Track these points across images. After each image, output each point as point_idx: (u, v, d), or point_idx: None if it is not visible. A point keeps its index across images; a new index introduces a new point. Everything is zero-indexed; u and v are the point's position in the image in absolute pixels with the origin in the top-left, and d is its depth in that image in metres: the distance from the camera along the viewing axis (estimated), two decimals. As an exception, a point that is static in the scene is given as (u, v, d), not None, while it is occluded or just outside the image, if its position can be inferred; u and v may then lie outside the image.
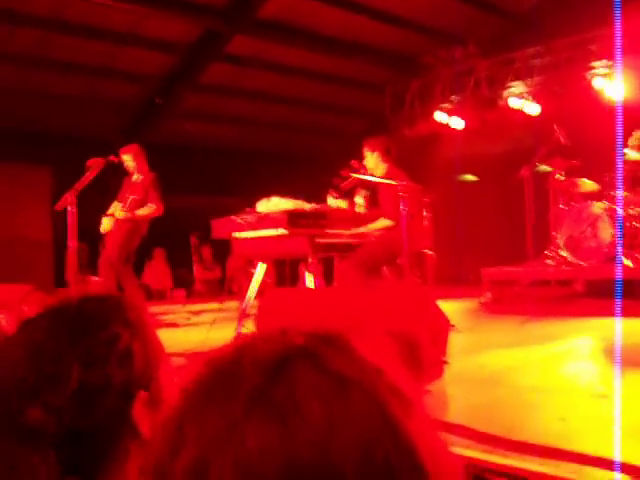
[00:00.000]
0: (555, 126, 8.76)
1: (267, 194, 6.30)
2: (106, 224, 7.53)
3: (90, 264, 10.89)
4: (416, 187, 6.37)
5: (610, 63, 9.63)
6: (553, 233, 8.75)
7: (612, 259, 7.80)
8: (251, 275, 6.73)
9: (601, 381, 4.16)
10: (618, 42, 7.75)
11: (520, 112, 10.92)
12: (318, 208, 6.29)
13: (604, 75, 9.80)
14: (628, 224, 8.03)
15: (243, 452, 0.54)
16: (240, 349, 0.63)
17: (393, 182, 6.17)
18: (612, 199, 8.16)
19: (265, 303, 5.06)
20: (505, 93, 11.05)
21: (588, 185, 8.58)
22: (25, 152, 11.69)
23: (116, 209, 7.56)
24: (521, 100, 10.85)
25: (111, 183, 7.94)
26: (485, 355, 5.16)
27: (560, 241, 8.50)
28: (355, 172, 6.50)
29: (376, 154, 6.60)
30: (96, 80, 11.60)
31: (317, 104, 13.91)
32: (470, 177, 13.18)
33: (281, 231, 5.75)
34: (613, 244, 7.89)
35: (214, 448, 0.56)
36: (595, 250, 8.10)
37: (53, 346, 1.00)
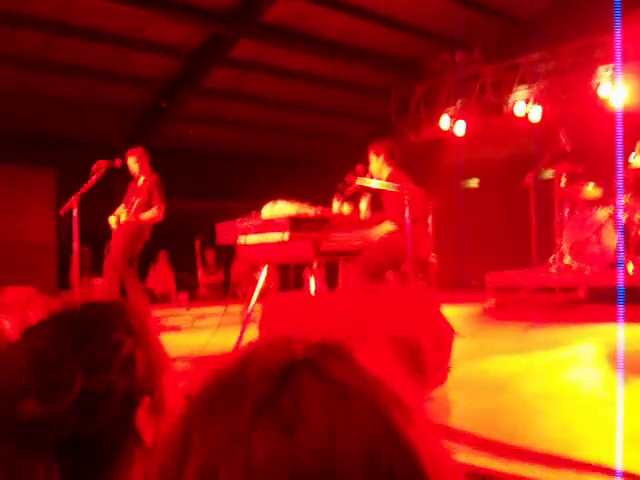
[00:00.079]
0: (560, 132, 8.76)
1: (271, 198, 6.30)
2: (114, 221, 7.54)
3: (94, 267, 10.91)
4: (420, 192, 6.38)
5: (615, 69, 9.62)
6: (557, 240, 8.75)
7: (616, 266, 7.79)
8: (255, 280, 6.73)
9: (604, 388, 4.15)
10: (618, 49, 7.76)
11: (524, 118, 10.91)
12: (322, 213, 6.29)
13: (609, 81, 9.78)
14: (633, 232, 8.01)
15: (250, 461, 0.55)
16: (245, 358, 0.63)
17: (397, 186, 6.17)
18: (616, 205, 8.16)
19: (268, 308, 5.05)
20: (510, 98, 11.05)
21: (592, 191, 8.58)
22: (29, 155, 11.71)
23: (121, 213, 7.57)
24: (526, 105, 10.84)
25: (115, 187, 7.97)
26: (488, 361, 5.16)
27: (564, 247, 8.49)
28: (360, 177, 6.50)
29: (381, 158, 6.61)
30: (100, 83, 11.63)
31: (322, 109, 13.92)
32: (474, 182, 13.18)
33: (285, 236, 5.75)
34: (618, 251, 7.88)
35: (221, 457, 0.56)
36: (599, 256, 8.10)
37: (56, 353, 1.00)
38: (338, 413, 0.57)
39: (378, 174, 6.58)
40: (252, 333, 5.65)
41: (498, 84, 11.29)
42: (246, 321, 6.01)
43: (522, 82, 10.92)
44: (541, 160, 9.00)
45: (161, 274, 13.38)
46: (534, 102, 10.77)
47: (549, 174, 9.20)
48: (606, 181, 8.28)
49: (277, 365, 0.60)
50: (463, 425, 3.35)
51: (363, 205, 7.02)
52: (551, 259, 8.72)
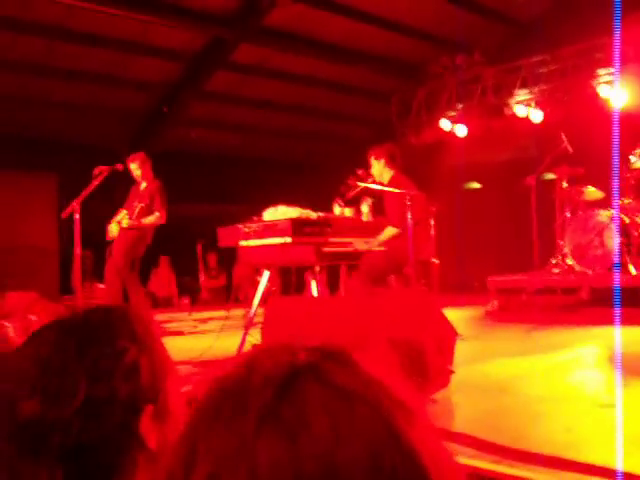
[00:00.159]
0: (562, 134, 8.77)
1: (273, 202, 6.31)
2: (113, 230, 7.54)
3: (96, 271, 10.91)
4: (422, 195, 6.38)
5: (616, 71, 9.63)
6: (559, 241, 8.75)
7: (618, 267, 7.79)
8: (257, 283, 6.74)
9: (607, 391, 4.14)
10: (617, 51, 7.76)
11: (526, 120, 10.92)
12: (323, 216, 6.30)
13: (610, 83, 9.79)
14: (636, 232, 8.01)
15: (254, 468, 0.55)
16: (248, 365, 0.64)
17: (399, 190, 6.18)
18: (616, 207, 8.16)
19: (271, 311, 5.06)
20: (511, 101, 11.05)
21: (593, 193, 8.58)
22: (31, 160, 11.72)
23: (123, 217, 7.58)
24: (527, 108, 10.85)
25: (117, 191, 7.98)
26: (491, 364, 5.16)
27: (566, 249, 8.49)
28: (361, 181, 6.51)
29: (382, 161, 6.62)
30: (102, 88, 11.63)
31: (323, 112, 13.93)
32: (475, 185, 13.19)
33: (286, 239, 5.75)
34: (618, 253, 7.88)
35: (226, 465, 0.56)
36: (601, 258, 8.09)
37: (60, 359, 1.00)
38: (341, 418, 0.57)
39: (379, 178, 6.59)
40: (255, 337, 5.65)
41: (499, 87, 11.29)
42: (248, 325, 6.01)
43: (523, 85, 10.92)
44: (542, 162, 9.01)
45: (163, 278, 13.38)
46: (535, 104, 10.77)
47: (550, 176, 9.21)
48: (607, 183, 8.28)
49: (280, 372, 0.61)
50: (466, 428, 3.35)
51: (365, 208, 7.04)
52: (553, 261, 8.72)
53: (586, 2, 10.42)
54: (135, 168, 7.74)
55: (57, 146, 12.14)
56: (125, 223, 7.49)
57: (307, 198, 6.93)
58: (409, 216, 5.87)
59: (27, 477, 0.95)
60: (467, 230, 11.28)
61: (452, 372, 4.24)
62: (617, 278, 7.39)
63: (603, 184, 8.41)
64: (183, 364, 5.21)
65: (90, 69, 11.07)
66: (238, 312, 8.09)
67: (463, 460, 2.74)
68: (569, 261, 8.45)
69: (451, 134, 11.87)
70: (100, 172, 7.01)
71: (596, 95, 9.94)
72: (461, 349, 4.57)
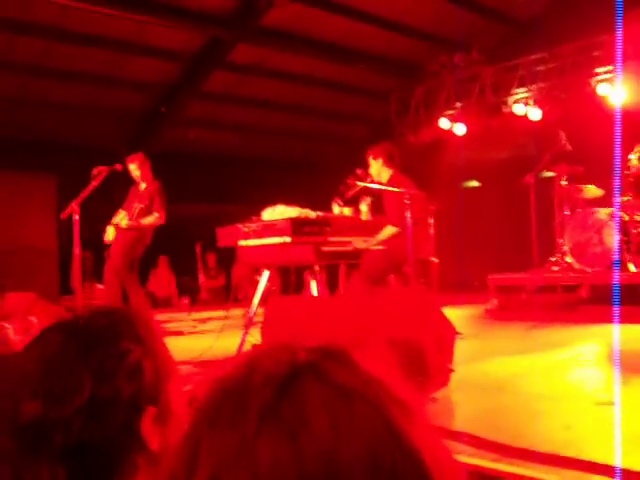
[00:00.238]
0: (560, 132, 8.77)
1: (272, 202, 6.32)
2: (110, 233, 7.55)
3: (95, 272, 10.92)
4: (420, 193, 6.39)
5: (614, 69, 9.63)
6: (558, 239, 8.75)
7: (618, 265, 7.80)
8: (256, 283, 6.74)
9: (606, 388, 4.15)
10: (619, 48, 7.75)
11: (524, 118, 10.92)
12: (322, 216, 6.30)
13: (608, 81, 9.79)
14: (634, 230, 8.02)
15: (256, 468, 0.56)
16: (248, 366, 0.64)
17: (398, 189, 6.19)
18: (616, 205, 8.16)
19: (270, 311, 5.07)
20: (509, 99, 11.05)
21: (592, 191, 8.58)
22: (30, 161, 11.71)
23: (121, 218, 7.58)
24: (525, 106, 10.85)
25: (116, 192, 7.98)
26: (490, 362, 5.16)
27: (566, 247, 8.49)
28: (360, 180, 6.51)
29: (380, 161, 6.62)
30: (100, 89, 11.63)
31: (321, 111, 13.93)
32: (474, 183, 13.19)
33: (285, 239, 5.75)
34: (618, 250, 7.89)
35: (228, 465, 0.57)
36: (601, 256, 8.10)
37: (65, 360, 1.01)
38: (341, 416, 0.58)
39: (378, 177, 6.60)
40: (254, 336, 5.66)
41: (498, 85, 11.29)
42: (248, 324, 6.01)
43: (521, 83, 10.92)
44: (541, 160, 9.01)
45: (162, 278, 13.39)
46: (533, 103, 10.77)
47: (549, 174, 9.21)
48: (606, 181, 8.28)
49: (280, 371, 0.61)
50: (465, 426, 3.35)
51: (364, 207, 7.04)
52: (553, 259, 8.72)
53: (584, 0, 10.42)
54: (134, 169, 7.74)
55: (56, 147, 12.14)
56: (124, 224, 7.49)
57: (306, 197, 6.93)
58: (408, 215, 5.88)
59: (29, 475, 0.95)
60: (466, 229, 11.28)
61: (452, 371, 4.25)
62: (617, 276, 7.39)
63: (602, 182, 8.41)
64: (183, 364, 5.21)
65: (88, 70, 11.06)
66: (237, 312, 8.09)
67: (463, 458, 2.75)
68: (568, 259, 8.46)
69: (450, 133, 11.87)
70: (99, 173, 7.01)
71: (595, 93, 9.94)
72: (461, 348, 4.57)
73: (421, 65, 12.54)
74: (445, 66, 12.08)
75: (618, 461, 2.55)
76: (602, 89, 9.85)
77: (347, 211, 7.00)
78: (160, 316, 9.58)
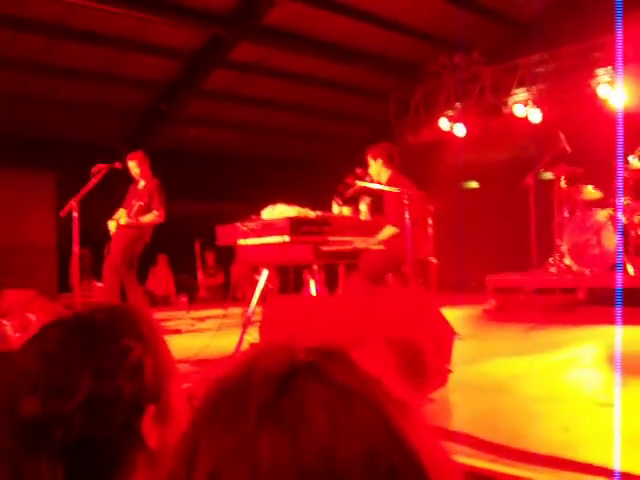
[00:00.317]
0: (560, 133, 8.77)
1: (271, 201, 6.31)
2: (112, 226, 7.54)
3: (94, 269, 10.92)
4: (420, 194, 6.39)
5: (614, 70, 9.63)
6: (557, 241, 8.75)
7: (616, 267, 7.80)
8: (255, 282, 6.74)
9: (604, 390, 4.15)
10: (619, 50, 7.75)
11: (524, 119, 10.92)
12: (322, 215, 6.30)
13: (608, 82, 9.79)
14: (633, 232, 8.02)
15: (256, 463, 0.56)
16: (247, 364, 0.64)
17: (397, 189, 6.19)
18: (616, 207, 8.17)
19: (269, 310, 5.06)
20: (509, 100, 11.06)
21: (592, 193, 8.59)
22: (30, 158, 11.71)
23: (121, 215, 7.58)
24: (525, 107, 10.85)
25: (115, 189, 7.98)
26: (488, 363, 5.16)
27: (564, 249, 8.50)
28: (359, 179, 6.51)
29: (380, 161, 6.62)
30: (101, 86, 11.63)
31: (321, 111, 13.93)
32: (473, 184, 13.20)
33: (285, 238, 5.75)
34: (617, 252, 7.89)
35: (228, 461, 0.57)
36: (599, 258, 8.10)
37: (65, 357, 1.01)
38: (340, 415, 0.58)
39: (377, 177, 6.60)
40: (252, 335, 5.65)
41: (497, 86, 11.29)
42: (246, 323, 6.01)
43: (521, 84, 10.92)
44: (541, 162, 9.01)
45: (161, 276, 13.38)
46: (533, 104, 10.77)
47: (549, 175, 9.21)
48: (606, 182, 8.29)
49: (279, 370, 0.62)
50: (463, 427, 3.35)
51: (363, 207, 7.03)
52: (551, 260, 8.72)
53: (585, 2, 10.43)
54: (134, 166, 7.74)
55: (56, 144, 12.14)
56: (123, 221, 7.49)
57: (306, 197, 6.93)
58: (407, 215, 5.88)
59: (28, 472, 0.95)
60: (465, 229, 11.28)
61: (450, 371, 4.25)
62: (619, 278, 7.39)
63: (601, 184, 8.42)
64: (180, 362, 5.20)
65: (89, 67, 11.06)
66: (236, 311, 8.08)
67: (461, 459, 2.75)
68: (567, 261, 8.46)
69: (449, 133, 11.87)
70: (99, 170, 7.01)
71: (594, 95, 9.94)
72: (459, 348, 4.57)
73: (421, 65, 12.54)
74: (445, 67, 12.08)
75: (616, 463, 2.55)
76: (602, 91, 9.85)
77: (346, 211, 6.99)
78: (158, 314, 9.57)
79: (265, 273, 6.39)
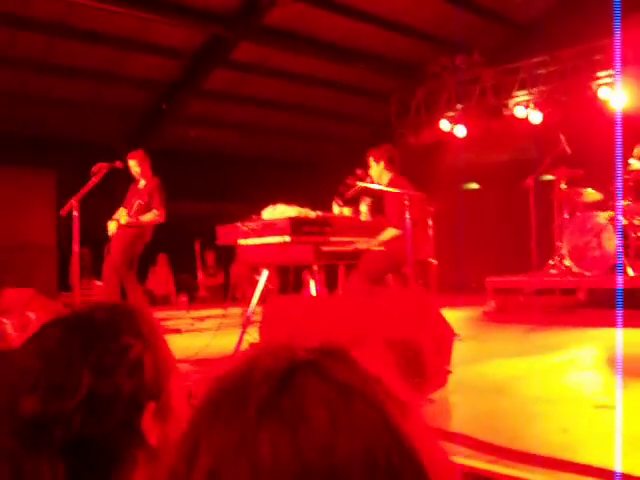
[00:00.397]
0: (561, 135, 8.77)
1: (271, 201, 6.31)
2: (112, 227, 7.54)
3: (94, 268, 10.93)
4: (420, 195, 6.39)
5: (615, 73, 9.63)
6: (557, 243, 8.75)
7: (616, 269, 7.80)
8: (255, 282, 6.74)
9: (604, 392, 4.15)
10: (618, 53, 7.76)
11: (525, 121, 10.93)
12: (322, 216, 6.30)
13: (609, 85, 9.79)
14: (633, 234, 8.03)
15: (257, 460, 0.56)
16: (247, 363, 0.65)
17: (398, 191, 6.19)
18: (616, 209, 8.17)
19: (269, 310, 5.06)
20: (510, 102, 11.06)
21: (592, 195, 8.59)
22: (30, 157, 11.72)
23: (121, 215, 7.58)
24: (526, 109, 10.85)
25: (116, 188, 7.98)
26: (488, 364, 5.16)
27: (564, 251, 8.50)
28: (360, 180, 6.51)
29: (381, 164, 6.62)
30: (101, 85, 11.64)
31: (322, 111, 13.94)
32: (474, 185, 13.20)
33: (285, 238, 5.75)
34: (617, 254, 7.89)
35: (229, 458, 0.58)
36: (599, 260, 8.10)
37: (64, 355, 1.01)
38: (340, 412, 0.59)
39: (378, 179, 6.59)
40: (252, 335, 5.65)
41: (498, 87, 11.30)
42: (246, 323, 6.01)
43: (522, 86, 10.92)
44: (541, 163, 9.01)
45: (161, 276, 13.39)
46: (534, 106, 10.78)
47: (549, 177, 9.21)
48: (606, 184, 8.29)
49: (279, 368, 0.62)
50: (463, 428, 3.35)
51: (363, 208, 7.04)
52: (551, 262, 8.73)
53: (586, 4, 10.43)
54: (134, 165, 7.74)
55: (56, 143, 12.14)
56: (124, 220, 7.49)
57: (305, 197, 6.93)
58: (408, 217, 5.88)
59: (29, 470, 0.95)
60: (465, 231, 11.28)
61: (450, 372, 4.25)
62: (619, 280, 7.40)
63: (602, 186, 8.43)
64: (180, 362, 5.20)
65: (89, 66, 11.07)
66: (236, 310, 8.08)
67: (460, 460, 2.75)
68: (567, 262, 8.46)
69: (450, 134, 11.87)
70: (99, 169, 7.00)
71: (595, 97, 9.95)
72: (459, 349, 4.57)
73: (422, 66, 12.54)
74: (446, 68, 12.08)
75: (615, 464, 2.55)
76: (603, 93, 9.86)
77: (347, 211, 7.00)
78: (158, 314, 9.56)
79: (265, 273, 6.39)
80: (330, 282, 7.48)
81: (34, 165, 11.91)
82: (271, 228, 5.90)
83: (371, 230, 6.54)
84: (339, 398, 0.60)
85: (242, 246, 6.31)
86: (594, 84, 9.97)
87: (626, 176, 8.20)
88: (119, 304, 1.15)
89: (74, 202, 6.77)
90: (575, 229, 8.40)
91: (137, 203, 7.55)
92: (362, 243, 6.39)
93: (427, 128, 12.18)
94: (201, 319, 9.42)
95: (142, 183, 7.76)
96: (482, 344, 6.30)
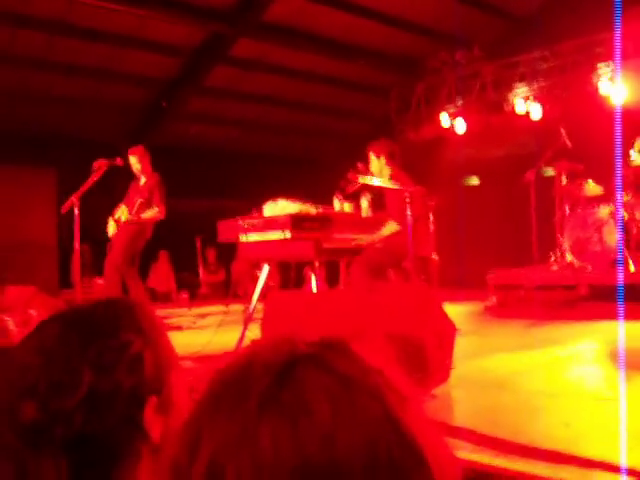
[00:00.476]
0: (561, 129, 8.76)
1: (272, 197, 6.31)
2: (112, 227, 7.54)
3: (95, 266, 10.93)
4: (421, 190, 6.39)
5: (615, 66, 9.62)
6: (558, 237, 8.75)
7: (618, 263, 7.80)
8: (256, 278, 6.74)
9: (606, 385, 4.15)
10: (618, 46, 7.74)
11: (525, 116, 10.92)
12: (323, 212, 6.29)
13: (609, 78, 9.78)
14: (634, 228, 8.02)
15: (258, 452, 0.57)
16: (248, 356, 0.65)
17: (398, 186, 6.19)
18: (617, 203, 8.16)
19: (270, 306, 5.06)
20: (510, 96, 11.05)
21: (593, 189, 8.58)
22: (30, 155, 11.71)
23: (122, 212, 7.57)
24: (526, 103, 10.84)
25: (116, 185, 7.97)
26: (490, 359, 5.16)
27: (565, 245, 8.49)
28: (361, 176, 6.50)
29: (382, 159, 6.61)
30: (101, 83, 11.63)
31: (322, 107, 13.93)
32: (474, 180, 13.19)
33: (286, 234, 5.75)
34: (618, 249, 7.89)
35: (230, 450, 0.58)
36: (601, 254, 8.10)
37: (64, 352, 1.00)
38: (341, 404, 0.59)
39: (379, 174, 6.58)
40: (254, 332, 5.65)
41: (498, 82, 11.29)
42: (248, 320, 6.01)
43: (522, 80, 10.91)
44: (542, 158, 9.00)
45: (162, 273, 13.39)
46: (534, 100, 10.76)
47: (550, 172, 9.20)
48: (607, 178, 8.28)
49: (280, 360, 0.62)
50: (465, 423, 3.36)
51: (364, 203, 7.03)
52: (552, 256, 8.72)
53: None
54: (135, 161, 7.74)
55: (56, 140, 12.14)
56: (124, 217, 7.49)
57: (306, 193, 6.92)
58: (409, 212, 5.87)
59: (32, 468, 0.95)
60: (466, 226, 11.27)
61: (452, 367, 4.25)
62: (620, 274, 7.39)
63: (602, 180, 8.41)
64: (182, 359, 5.18)
65: (89, 64, 11.06)
66: (237, 307, 8.08)
67: (462, 454, 2.75)
68: (568, 257, 8.45)
69: (450, 130, 11.86)
70: (99, 167, 7.00)
71: (595, 91, 9.93)
72: (460, 345, 4.57)
73: (422, 61, 12.52)
74: (446, 63, 12.06)
75: (618, 457, 2.55)
76: (603, 87, 9.84)
77: (347, 207, 6.99)
78: (160, 311, 9.56)
79: (266, 269, 6.38)
80: (331, 278, 7.48)
81: (34, 163, 11.90)
82: (272, 224, 5.89)
83: (372, 226, 6.54)
84: (340, 390, 0.60)
85: (243, 242, 6.30)
86: (594, 78, 9.96)
87: (626, 170, 8.19)
88: (118, 299, 1.15)
89: (75, 199, 6.77)
90: (576, 224, 8.40)
91: (139, 201, 7.55)
92: (363, 239, 6.39)
93: (427, 123, 12.17)
94: (202, 316, 9.41)
95: (142, 180, 7.76)
96: (484, 339, 6.30)
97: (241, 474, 0.56)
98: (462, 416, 3.71)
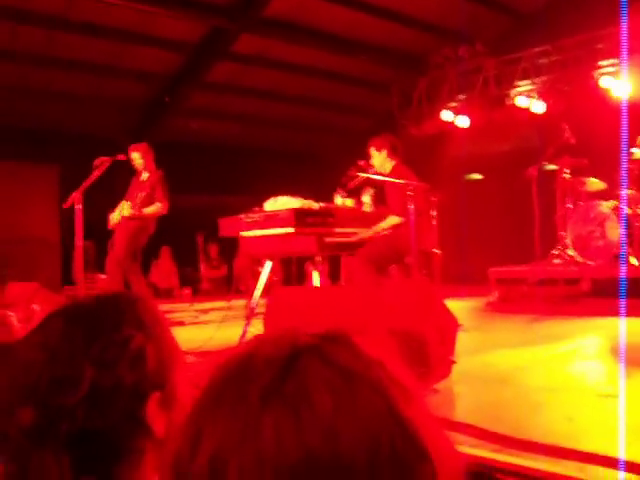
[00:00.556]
0: (564, 125, 8.74)
1: (274, 192, 6.31)
2: (114, 218, 7.54)
3: (97, 262, 10.94)
4: (423, 185, 6.38)
5: (618, 62, 9.60)
6: (561, 232, 8.74)
7: (620, 259, 7.79)
8: (258, 274, 6.74)
9: (608, 381, 4.15)
10: (624, 41, 7.72)
11: (527, 111, 10.90)
12: (325, 207, 6.30)
13: (612, 74, 9.76)
14: (637, 223, 8.00)
15: (261, 445, 0.57)
16: (250, 349, 0.65)
17: (400, 180, 6.18)
18: (620, 198, 8.15)
19: (272, 302, 5.06)
20: (513, 92, 11.03)
21: (596, 184, 8.57)
22: (32, 151, 11.73)
23: (124, 208, 7.57)
24: (528, 99, 10.83)
25: (118, 181, 7.98)
26: (492, 354, 5.16)
27: (568, 240, 8.48)
28: (362, 171, 6.50)
29: (384, 153, 6.60)
30: (102, 78, 11.63)
31: (324, 102, 13.92)
32: (477, 176, 13.17)
33: (288, 230, 5.75)
34: (621, 244, 7.88)
35: (233, 444, 0.58)
36: (603, 249, 8.09)
37: (67, 348, 1.00)
38: (343, 396, 0.59)
39: (381, 169, 6.58)
40: (256, 327, 5.66)
41: (501, 77, 11.27)
42: (250, 315, 6.01)
43: (525, 75, 10.89)
44: (544, 153, 8.98)
45: (164, 269, 13.40)
46: (537, 95, 10.75)
47: (552, 167, 9.18)
48: (609, 174, 8.27)
49: (282, 353, 0.62)
50: (467, 418, 3.36)
51: (366, 199, 7.03)
52: (555, 252, 8.71)
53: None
54: (137, 158, 7.74)
55: (58, 137, 12.15)
56: (127, 213, 7.49)
57: (308, 188, 6.93)
58: (411, 207, 5.87)
59: (35, 464, 0.95)
60: (469, 221, 11.26)
61: (454, 362, 4.25)
62: (622, 269, 7.39)
63: (605, 175, 8.40)
64: (185, 354, 5.20)
65: (90, 59, 11.05)
66: (239, 303, 8.09)
67: (464, 449, 2.75)
68: (570, 252, 8.44)
69: (452, 125, 11.85)
70: (101, 163, 6.99)
71: (598, 86, 9.91)
72: (462, 340, 4.57)
73: (424, 57, 12.50)
74: (449, 59, 12.05)
75: (618, 452, 2.55)
76: (605, 82, 9.82)
77: (349, 202, 6.99)
78: (162, 307, 9.54)
79: (268, 265, 6.39)
80: (333, 273, 7.48)
81: (37, 159, 11.92)
82: (274, 220, 5.89)
83: (374, 221, 6.54)
84: (342, 383, 0.60)
85: (245, 238, 6.31)
86: (596, 73, 9.94)
87: (630, 165, 8.17)
88: (121, 294, 1.15)
89: (77, 195, 6.77)
90: (579, 218, 8.38)
91: (140, 196, 7.55)
92: (364, 233, 6.39)
93: (429, 119, 12.17)
94: (205, 311, 9.42)
95: (145, 175, 7.76)
96: (486, 334, 6.30)
97: (244, 468, 0.56)
98: (464, 411, 3.71)
